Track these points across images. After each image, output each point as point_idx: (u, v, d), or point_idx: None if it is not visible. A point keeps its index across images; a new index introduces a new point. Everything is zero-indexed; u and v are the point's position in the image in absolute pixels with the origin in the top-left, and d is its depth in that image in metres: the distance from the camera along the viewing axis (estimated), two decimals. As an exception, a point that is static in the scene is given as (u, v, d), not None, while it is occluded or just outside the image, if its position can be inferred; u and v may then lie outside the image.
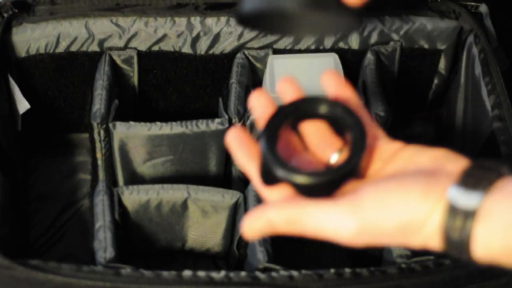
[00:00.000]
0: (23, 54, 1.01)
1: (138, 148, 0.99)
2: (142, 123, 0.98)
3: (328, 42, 1.03)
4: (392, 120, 1.00)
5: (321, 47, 1.04)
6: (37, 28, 1.00)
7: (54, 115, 1.09)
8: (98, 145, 1.00)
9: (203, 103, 1.09)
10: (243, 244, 0.93)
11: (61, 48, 1.01)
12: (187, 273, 0.77)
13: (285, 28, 0.61)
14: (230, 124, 0.99)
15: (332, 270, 0.78)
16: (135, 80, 1.06)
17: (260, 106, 0.61)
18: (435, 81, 1.10)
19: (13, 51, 1.01)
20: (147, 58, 1.04)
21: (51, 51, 1.01)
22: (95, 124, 0.98)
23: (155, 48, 1.03)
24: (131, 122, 0.98)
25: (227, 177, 1.05)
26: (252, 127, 0.99)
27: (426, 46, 1.05)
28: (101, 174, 1.02)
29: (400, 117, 1.12)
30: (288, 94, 0.62)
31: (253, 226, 0.58)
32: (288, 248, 1.05)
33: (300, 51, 1.04)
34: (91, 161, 1.08)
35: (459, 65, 1.06)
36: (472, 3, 1.03)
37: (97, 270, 0.77)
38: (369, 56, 1.03)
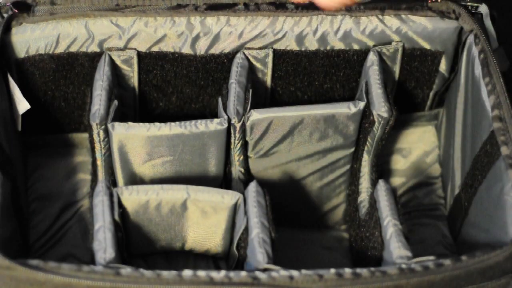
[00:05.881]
0: (23, 54, 1.01)
1: (137, 149, 0.99)
2: (141, 124, 0.98)
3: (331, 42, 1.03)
4: (394, 120, 1.00)
5: (322, 49, 1.04)
6: (37, 28, 1.00)
7: (54, 115, 1.09)
8: (97, 145, 1.00)
9: (203, 104, 1.09)
10: (243, 245, 0.93)
11: (61, 49, 1.01)
12: (187, 273, 0.77)
13: None
14: (229, 124, 0.99)
15: (332, 270, 0.78)
16: (134, 80, 1.06)
17: None
18: (436, 81, 1.10)
19: (13, 51, 1.01)
20: (147, 59, 1.04)
21: (51, 51, 1.01)
22: (94, 125, 0.98)
23: (155, 48, 1.03)
24: (130, 123, 0.98)
25: (227, 177, 1.05)
26: (252, 128, 0.99)
27: (427, 46, 1.05)
28: (101, 175, 1.02)
29: (401, 117, 1.12)
30: None
31: None
32: (288, 249, 1.05)
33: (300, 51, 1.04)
34: (91, 161, 1.08)
35: (459, 65, 1.06)
36: (472, 3, 1.03)
37: (97, 270, 0.77)
38: (372, 57, 1.03)
